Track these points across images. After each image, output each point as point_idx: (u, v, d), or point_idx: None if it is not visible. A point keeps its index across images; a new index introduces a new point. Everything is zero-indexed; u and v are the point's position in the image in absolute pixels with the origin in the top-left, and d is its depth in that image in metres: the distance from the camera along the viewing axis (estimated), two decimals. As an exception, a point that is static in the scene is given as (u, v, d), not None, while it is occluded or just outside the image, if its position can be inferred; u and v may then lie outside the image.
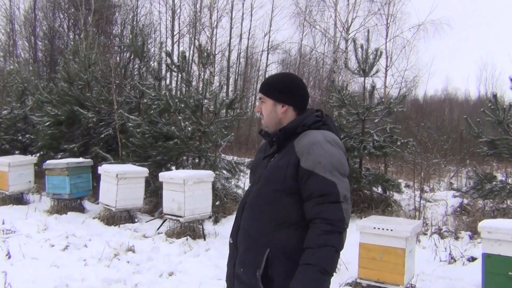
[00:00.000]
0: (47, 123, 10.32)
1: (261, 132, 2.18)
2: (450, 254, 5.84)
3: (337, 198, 1.85)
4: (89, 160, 8.58)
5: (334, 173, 1.87)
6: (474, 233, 6.74)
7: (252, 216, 1.99)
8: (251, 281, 1.93)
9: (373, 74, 9.68)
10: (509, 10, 53.97)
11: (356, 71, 9.70)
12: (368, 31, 10.47)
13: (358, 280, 4.61)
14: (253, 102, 29.44)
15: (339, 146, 1.95)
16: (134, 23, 25.14)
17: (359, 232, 4.60)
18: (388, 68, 20.81)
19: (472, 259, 5.75)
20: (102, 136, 10.05)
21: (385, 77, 20.61)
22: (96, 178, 8.23)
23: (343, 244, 1.88)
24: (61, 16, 25.60)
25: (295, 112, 2.08)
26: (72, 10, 23.68)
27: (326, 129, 2.01)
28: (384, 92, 19.91)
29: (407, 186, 11.03)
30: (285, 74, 2.22)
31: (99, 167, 7.77)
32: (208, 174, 7.03)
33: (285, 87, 2.08)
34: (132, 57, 19.67)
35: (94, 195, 8.57)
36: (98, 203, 7.98)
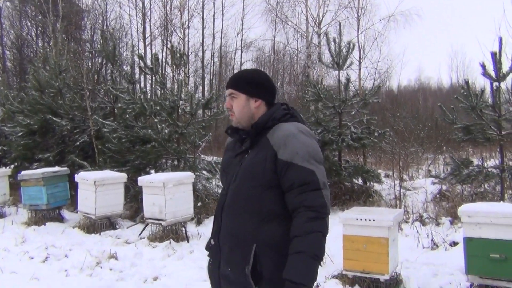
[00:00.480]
0: (20, 134, 10.09)
1: (228, 131, 2.16)
2: (432, 240, 5.91)
3: (318, 186, 1.89)
4: (66, 168, 8.41)
5: (311, 162, 1.90)
6: (454, 218, 6.84)
7: (234, 215, 1.98)
8: (239, 279, 1.92)
9: (347, 67, 9.76)
10: (475, -2, 55.04)
11: (330, 65, 9.75)
12: (340, 24, 10.53)
13: (344, 272, 4.62)
14: (229, 101, 29.35)
15: (312, 135, 1.99)
16: (104, 27, 24.78)
17: (342, 224, 4.61)
18: (361, 60, 21.04)
19: (454, 243, 5.84)
20: (78, 143, 9.87)
21: (359, 69, 20.83)
22: (74, 186, 8.08)
23: (327, 229, 1.91)
24: (29, 24, 25.07)
25: (266, 107, 2.08)
26: (40, 17, 23.19)
27: (295, 120, 2.05)
28: (359, 84, 20.10)
29: (386, 176, 11.16)
30: (254, 69, 2.22)
31: (76, 175, 7.63)
32: (188, 176, 6.97)
33: (257, 82, 2.08)
34: (104, 62, 19.39)
35: (73, 204, 8.41)
36: (77, 212, 7.83)
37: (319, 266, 1.89)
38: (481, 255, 4.07)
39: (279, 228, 1.93)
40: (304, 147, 1.91)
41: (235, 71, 28.77)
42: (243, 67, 28.71)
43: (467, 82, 8.06)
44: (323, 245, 1.89)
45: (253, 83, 2.07)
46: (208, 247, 2.12)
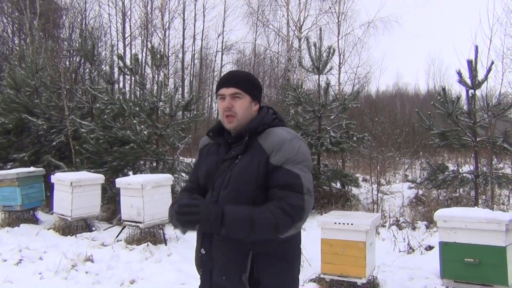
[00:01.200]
0: (-6, 133, 9.86)
1: (210, 133, 2.11)
2: (408, 244, 6.01)
3: (301, 189, 1.85)
4: (41, 169, 8.24)
5: (299, 167, 1.88)
6: (430, 223, 6.96)
7: None
8: (236, 287, 1.89)
9: (327, 72, 9.85)
10: (454, 5, 56.29)
11: (310, 69, 9.82)
12: (320, 29, 10.62)
13: (322, 276, 4.65)
14: (209, 103, 29.30)
15: (303, 141, 1.98)
16: (83, 26, 24.44)
17: (320, 228, 4.65)
18: (341, 65, 21.22)
19: (430, 248, 5.94)
20: (54, 143, 9.69)
21: (339, 74, 21.01)
22: (49, 187, 7.93)
23: (286, 232, 1.81)
24: (4, 20, 24.52)
25: (258, 111, 2.07)
26: (16, 14, 22.71)
27: (282, 125, 2.05)
28: (339, 89, 20.29)
29: (364, 180, 11.28)
30: (247, 72, 2.18)
31: (52, 176, 7.48)
32: (166, 178, 6.91)
33: (259, 85, 2.07)
34: (82, 61, 19.12)
35: (48, 205, 8.24)
36: (52, 213, 7.68)
37: (245, 237, 1.79)
38: (456, 260, 4.15)
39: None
40: (295, 153, 1.89)
41: (215, 73, 28.86)
42: (223, 70, 28.72)
43: (443, 89, 8.23)
44: (263, 232, 1.79)
45: (257, 85, 2.06)
46: (197, 257, 2.04)
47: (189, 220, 1.76)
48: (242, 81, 2.01)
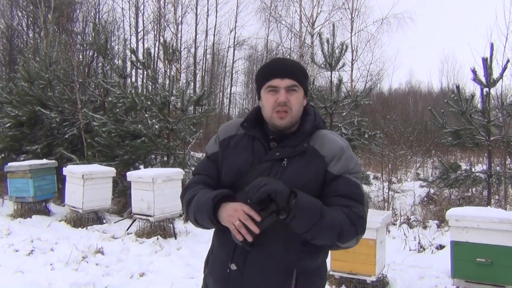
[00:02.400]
0: (8, 125, 9.97)
1: (244, 124, 1.81)
2: (419, 243, 5.96)
3: (362, 200, 1.70)
4: (53, 161, 8.32)
5: (356, 176, 1.73)
6: (441, 222, 6.91)
7: (278, 235, 1.65)
8: None
9: (340, 68, 9.76)
10: (469, 2, 55.63)
11: (322, 65, 9.75)
12: (333, 25, 10.54)
13: (331, 273, 4.63)
14: (221, 98, 29.33)
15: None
16: (96, 20, 24.55)
17: (331, 224, 4.62)
18: (354, 62, 21.09)
19: (441, 247, 5.89)
20: (67, 136, 9.77)
21: (351, 71, 20.88)
22: (61, 179, 8.00)
23: (346, 243, 1.66)
24: (20, 14, 24.73)
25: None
26: (31, 7, 22.88)
27: (325, 126, 1.85)
28: (351, 86, 20.16)
29: (375, 178, 11.22)
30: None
31: (64, 168, 7.55)
32: (177, 172, 6.93)
33: (308, 77, 1.82)
34: (95, 55, 19.24)
35: (60, 197, 8.33)
36: (64, 205, 7.76)
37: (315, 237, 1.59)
38: (468, 259, 4.11)
39: (321, 250, 1.73)
40: (354, 162, 1.74)
41: (227, 69, 28.86)
42: (235, 65, 28.71)
43: (457, 87, 8.12)
44: (330, 232, 1.60)
45: (307, 78, 1.79)
46: (222, 272, 1.75)
47: (262, 192, 1.50)
48: (298, 71, 1.73)
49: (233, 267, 1.70)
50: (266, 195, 1.50)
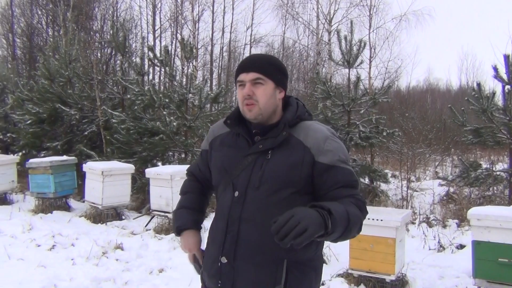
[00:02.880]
0: (29, 122, 10.14)
1: (227, 121, 1.85)
2: (438, 242, 5.89)
3: (358, 185, 1.76)
4: (73, 158, 8.44)
5: (348, 164, 1.76)
6: (461, 221, 6.82)
7: (263, 227, 1.64)
8: None
9: (357, 65, 9.70)
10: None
11: (340, 62, 9.70)
12: (351, 22, 10.44)
13: (350, 271, 4.61)
14: (237, 96, 29.34)
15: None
16: (115, 18, 24.77)
17: (350, 223, 4.59)
18: (371, 59, 20.89)
19: (461, 246, 5.82)
20: (86, 133, 9.90)
21: (369, 68, 20.69)
22: (81, 176, 8.11)
23: (360, 230, 1.69)
24: (39, 12, 25.08)
25: (283, 100, 1.84)
26: (50, 6, 23.19)
27: (311, 118, 1.87)
28: (369, 83, 19.99)
29: (393, 176, 11.11)
30: (272, 55, 1.96)
31: (83, 165, 7.65)
32: (195, 169, 6.96)
33: (284, 69, 1.82)
34: (114, 52, 19.42)
35: (80, 193, 8.44)
36: (83, 201, 7.86)
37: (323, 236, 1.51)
38: (489, 259, 4.04)
39: (312, 241, 1.64)
40: (342, 150, 1.75)
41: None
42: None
43: (478, 84, 8.00)
44: (355, 229, 1.63)
45: (281, 70, 1.80)
46: (214, 266, 1.79)
47: (297, 234, 1.38)
48: (264, 64, 1.76)
49: (224, 260, 1.74)
50: (303, 234, 1.40)
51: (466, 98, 8.31)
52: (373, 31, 21.12)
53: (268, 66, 1.76)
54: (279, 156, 1.72)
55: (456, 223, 6.84)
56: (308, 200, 1.68)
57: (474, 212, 4.21)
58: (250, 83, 1.74)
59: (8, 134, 11.80)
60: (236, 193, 1.74)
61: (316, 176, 1.71)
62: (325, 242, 1.81)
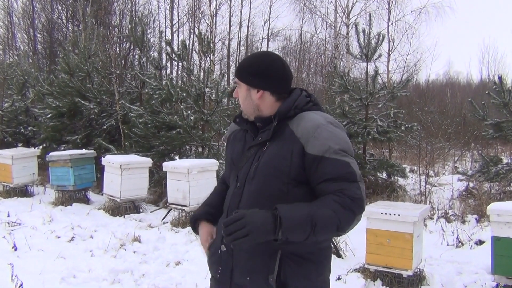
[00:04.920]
0: (49, 115, 10.30)
1: (236, 120, 1.96)
2: (457, 237, 5.82)
3: (355, 178, 1.69)
4: (92, 151, 8.55)
5: (343, 154, 1.71)
6: (481, 217, 6.72)
7: None
8: None
9: (376, 59, 9.59)
10: (510, -9, 53.37)
11: (358, 56, 9.61)
12: (370, 15, 10.32)
13: (366, 266, 4.59)
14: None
15: (341, 126, 1.80)
16: (133, 13, 24.94)
17: (366, 217, 4.56)
18: (390, 53, 20.62)
19: (480, 242, 5.74)
20: (105, 127, 10.02)
21: (388, 61, 20.42)
22: (100, 169, 8.22)
23: (348, 229, 1.68)
24: (59, 7, 25.39)
25: (274, 97, 1.85)
26: (70, 1, 23.45)
27: (317, 109, 1.85)
28: (387, 77, 19.74)
29: (411, 171, 10.99)
30: (260, 55, 1.95)
31: (102, 158, 7.75)
32: (212, 163, 7.00)
33: (258, 71, 1.84)
34: (132, 47, 19.57)
35: (98, 186, 8.56)
36: (102, 194, 7.97)
37: (304, 239, 1.61)
38: (509, 255, 3.99)
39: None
40: (336, 139, 1.71)
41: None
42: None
43: (500, 77, 7.85)
44: (327, 234, 1.66)
45: (252, 72, 1.84)
46: (216, 254, 1.88)
47: (236, 237, 1.54)
48: (239, 69, 1.89)
49: (223, 248, 1.81)
50: (243, 238, 1.54)
51: (487, 92, 8.17)
52: (392, 24, 20.83)
53: (240, 71, 1.89)
54: (273, 147, 1.77)
55: (476, 219, 6.74)
56: (305, 192, 1.74)
57: (494, 207, 4.14)
58: (237, 85, 1.93)
59: (29, 128, 12.01)
60: (237, 185, 1.84)
61: (307, 167, 1.71)
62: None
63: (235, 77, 1.92)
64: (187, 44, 11.10)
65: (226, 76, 24.86)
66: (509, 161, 8.30)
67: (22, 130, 12.16)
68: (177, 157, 9.07)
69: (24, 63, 14.54)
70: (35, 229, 6.17)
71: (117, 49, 20.09)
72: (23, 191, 8.60)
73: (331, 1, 20.54)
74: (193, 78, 9.73)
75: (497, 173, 7.64)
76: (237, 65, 1.99)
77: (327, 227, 1.62)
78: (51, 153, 8.20)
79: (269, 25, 27.45)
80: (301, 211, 1.60)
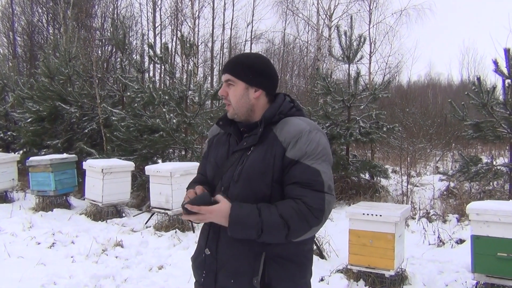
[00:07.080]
0: (29, 120, 10.16)
1: (220, 123, 1.94)
2: (438, 237, 5.89)
3: (321, 188, 1.69)
4: (74, 155, 8.44)
5: (318, 162, 1.72)
6: (461, 216, 6.81)
7: None
8: None
9: (358, 61, 9.66)
10: (489, -6, 54.43)
11: (340, 58, 9.67)
12: (351, 17, 10.41)
13: (349, 267, 4.61)
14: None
15: (323, 133, 1.81)
16: (115, 15, 24.75)
17: (349, 218, 4.59)
18: (372, 54, 20.86)
19: (461, 241, 5.81)
20: (86, 131, 9.91)
21: (369, 63, 20.66)
22: (81, 173, 8.12)
23: (301, 237, 1.69)
24: (40, 10, 25.09)
25: (267, 98, 1.87)
26: (51, 4, 23.19)
27: (300, 114, 1.87)
28: (369, 79, 19.95)
29: (394, 171, 11.10)
30: (257, 55, 1.95)
31: (83, 163, 7.66)
32: (195, 166, 6.96)
33: (259, 68, 1.84)
34: (114, 50, 19.42)
35: (80, 191, 8.45)
36: (84, 199, 7.88)
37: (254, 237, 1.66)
38: (488, 254, 4.04)
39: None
40: (315, 146, 1.72)
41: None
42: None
43: (478, 79, 7.95)
44: (273, 239, 1.67)
45: (254, 69, 1.83)
46: (200, 257, 1.90)
47: (194, 219, 1.73)
48: (235, 65, 1.84)
49: (207, 251, 1.84)
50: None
51: (466, 93, 8.27)
52: (373, 26, 21.12)
53: (238, 67, 1.84)
54: (257, 151, 1.78)
55: (456, 218, 6.83)
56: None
57: (473, 206, 4.20)
58: (226, 84, 1.86)
59: (9, 133, 11.83)
60: (222, 188, 1.83)
61: (284, 170, 1.73)
62: (313, 238, 1.89)
63: (227, 74, 1.84)
64: (170, 46, 11.05)
65: (209, 78, 24.83)
66: (489, 160, 8.43)
67: (1, 135, 11.96)
68: (160, 161, 9.02)
69: (3, 67, 14.31)
70: (14, 235, 6.06)
71: (99, 52, 19.93)
72: (3, 197, 8.46)
73: (314, 4, 20.72)
74: (176, 81, 9.68)
75: (477, 172, 7.75)
76: (229, 62, 1.88)
77: (273, 233, 1.65)
78: (31, 158, 8.08)
79: (252, 27, 27.58)
80: (251, 213, 1.65)
